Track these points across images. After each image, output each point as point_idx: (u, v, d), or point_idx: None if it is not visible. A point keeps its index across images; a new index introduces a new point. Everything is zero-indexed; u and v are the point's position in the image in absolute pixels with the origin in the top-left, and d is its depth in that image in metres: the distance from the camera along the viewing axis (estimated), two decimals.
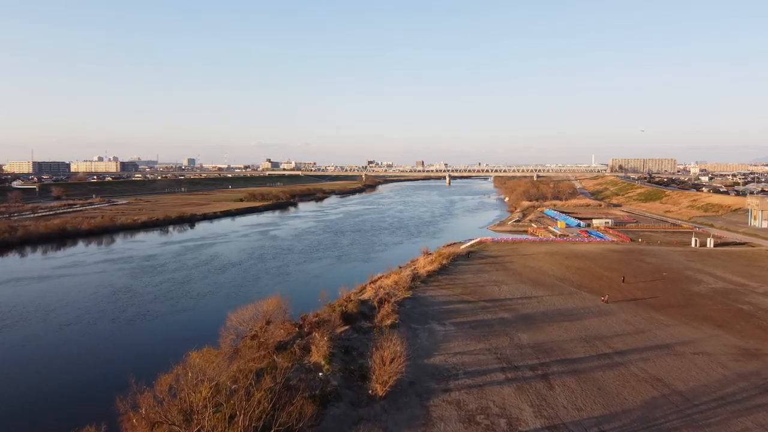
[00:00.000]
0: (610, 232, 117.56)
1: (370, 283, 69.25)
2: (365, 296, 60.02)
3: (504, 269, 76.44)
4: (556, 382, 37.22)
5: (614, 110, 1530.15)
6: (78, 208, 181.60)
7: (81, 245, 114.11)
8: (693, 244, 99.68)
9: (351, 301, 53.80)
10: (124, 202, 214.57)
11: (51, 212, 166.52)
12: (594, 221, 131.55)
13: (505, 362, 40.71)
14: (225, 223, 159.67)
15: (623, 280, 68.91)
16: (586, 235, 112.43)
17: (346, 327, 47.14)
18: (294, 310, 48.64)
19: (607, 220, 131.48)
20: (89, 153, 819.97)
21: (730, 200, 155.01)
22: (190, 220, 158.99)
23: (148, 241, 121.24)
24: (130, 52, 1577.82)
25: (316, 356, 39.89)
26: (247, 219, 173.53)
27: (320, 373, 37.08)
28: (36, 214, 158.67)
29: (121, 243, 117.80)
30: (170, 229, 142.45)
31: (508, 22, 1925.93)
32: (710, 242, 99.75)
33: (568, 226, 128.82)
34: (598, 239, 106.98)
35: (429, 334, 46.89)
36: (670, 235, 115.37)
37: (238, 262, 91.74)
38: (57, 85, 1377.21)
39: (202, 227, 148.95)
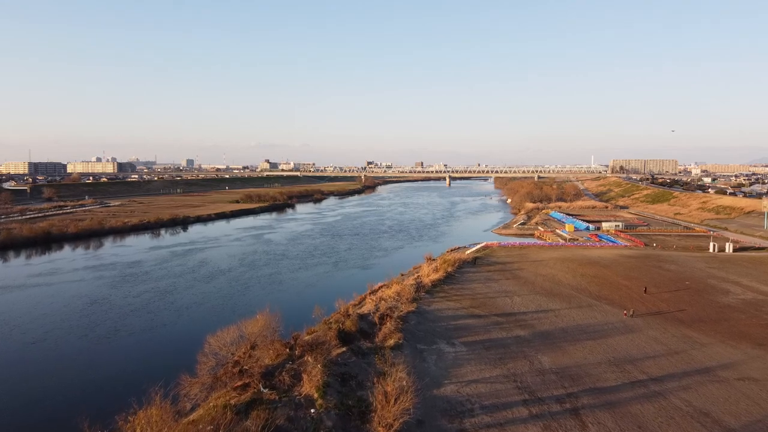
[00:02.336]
0: (622, 236, 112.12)
1: (369, 294, 63.72)
2: (365, 309, 54.47)
3: (514, 278, 70.92)
4: (589, 419, 31.76)
5: (613, 111, 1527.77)
6: (68, 210, 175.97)
7: (65, 250, 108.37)
8: (711, 249, 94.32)
9: (349, 316, 48.14)
10: (116, 203, 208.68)
11: (40, 214, 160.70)
12: (603, 224, 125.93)
13: (527, 393, 35.18)
14: (218, 226, 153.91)
15: (645, 291, 63.45)
16: (596, 240, 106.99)
17: (343, 348, 41.53)
18: (285, 326, 42.98)
19: (617, 223, 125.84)
20: (88, 154, 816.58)
21: (743, 202, 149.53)
22: (183, 223, 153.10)
23: (135, 245, 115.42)
24: (130, 53, 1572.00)
25: (308, 387, 34.36)
26: (242, 221, 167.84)
27: (312, 410, 31.55)
28: (24, 216, 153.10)
29: (107, 248, 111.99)
30: (161, 232, 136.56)
31: (508, 23, 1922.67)
32: (729, 247, 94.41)
33: (576, 229, 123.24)
34: (611, 244, 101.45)
35: (437, 357, 41.31)
36: (685, 239, 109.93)
37: (227, 270, 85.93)
38: (56, 86, 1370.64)
39: (194, 230, 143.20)
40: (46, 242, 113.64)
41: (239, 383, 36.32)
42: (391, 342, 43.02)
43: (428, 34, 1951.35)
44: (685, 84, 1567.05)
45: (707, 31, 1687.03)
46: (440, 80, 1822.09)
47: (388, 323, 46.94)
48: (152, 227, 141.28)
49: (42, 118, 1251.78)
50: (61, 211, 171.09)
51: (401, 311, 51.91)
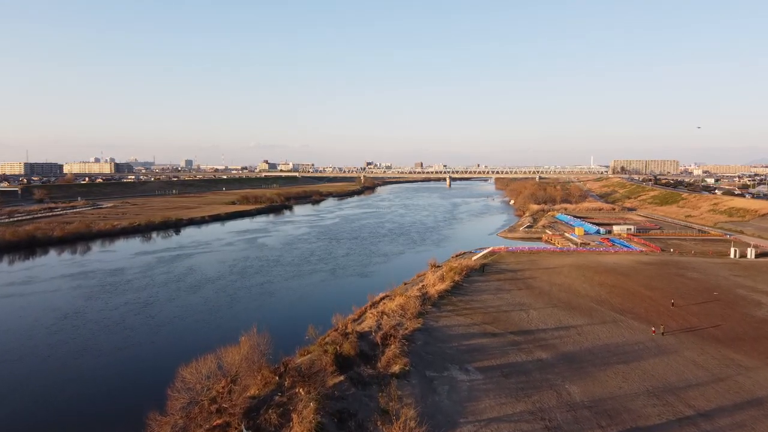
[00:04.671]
0: (635, 240, 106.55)
1: (370, 306, 58.27)
2: (365, 326, 48.95)
3: (527, 287, 65.37)
4: None
5: (612, 111, 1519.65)
6: (58, 212, 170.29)
7: (48, 255, 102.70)
8: (732, 255, 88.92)
9: (347, 336, 42.51)
10: (109, 204, 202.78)
11: (28, 216, 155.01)
12: (615, 228, 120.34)
13: None
14: (212, 229, 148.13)
15: (672, 304, 57.89)
16: (610, 244, 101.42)
17: (341, 377, 35.90)
18: (275, 346, 37.32)
19: (628, 227, 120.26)
20: (87, 154, 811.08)
21: (757, 204, 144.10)
22: (175, 226, 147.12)
23: (121, 250, 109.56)
24: (130, 53, 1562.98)
25: (299, 430, 28.79)
26: (237, 224, 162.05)
27: None
28: (11, 219, 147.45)
29: (92, 253, 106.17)
30: (152, 235, 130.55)
31: (508, 23, 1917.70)
32: (751, 253, 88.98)
33: (586, 233, 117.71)
34: (625, 249, 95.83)
35: (450, 388, 35.69)
36: (701, 244, 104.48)
37: (215, 278, 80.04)
38: (55, 86, 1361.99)
39: (186, 233, 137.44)
40: (29, 246, 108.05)
41: (218, 422, 30.81)
42: (396, 369, 37.42)
43: (428, 35, 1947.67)
44: (684, 84, 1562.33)
45: (706, 31, 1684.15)
46: (440, 80, 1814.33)
47: (392, 345, 41.34)
48: (142, 230, 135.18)
49: (41, 119, 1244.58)
50: (50, 213, 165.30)
51: (406, 329, 46.38)
